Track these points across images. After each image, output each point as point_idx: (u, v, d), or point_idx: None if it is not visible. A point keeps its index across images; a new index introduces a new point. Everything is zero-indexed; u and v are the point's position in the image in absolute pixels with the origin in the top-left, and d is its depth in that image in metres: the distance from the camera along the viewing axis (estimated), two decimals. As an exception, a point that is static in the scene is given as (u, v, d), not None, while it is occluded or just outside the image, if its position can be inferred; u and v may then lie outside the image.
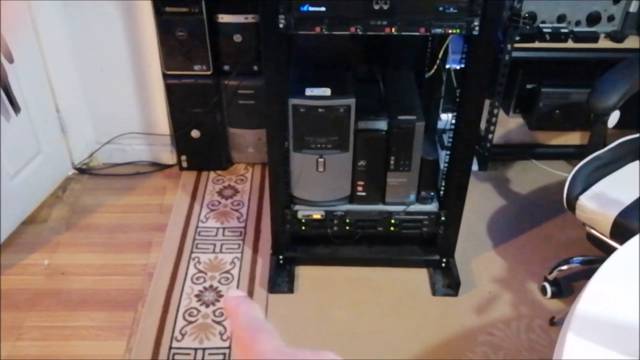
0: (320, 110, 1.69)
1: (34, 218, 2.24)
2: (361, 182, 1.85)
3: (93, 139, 2.48)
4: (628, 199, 1.57)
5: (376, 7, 1.48)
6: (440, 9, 1.50)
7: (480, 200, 2.32)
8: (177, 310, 1.89)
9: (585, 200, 1.61)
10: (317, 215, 1.88)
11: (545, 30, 2.18)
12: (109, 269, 2.04)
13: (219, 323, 1.85)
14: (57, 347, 1.78)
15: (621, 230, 1.50)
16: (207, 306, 1.90)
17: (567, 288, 1.94)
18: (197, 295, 1.94)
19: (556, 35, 2.17)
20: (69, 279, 2.00)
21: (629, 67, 1.70)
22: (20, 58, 2.01)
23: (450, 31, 1.53)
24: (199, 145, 2.41)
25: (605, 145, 1.72)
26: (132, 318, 1.87)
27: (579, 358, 0.86)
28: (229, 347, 1.78)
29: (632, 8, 2.19)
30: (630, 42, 2.21)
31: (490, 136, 2.39)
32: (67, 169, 2.45)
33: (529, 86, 2.46)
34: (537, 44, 2.19)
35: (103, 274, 2.03)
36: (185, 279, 2.00)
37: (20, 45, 2.04)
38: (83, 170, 2.48)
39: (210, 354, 1.76)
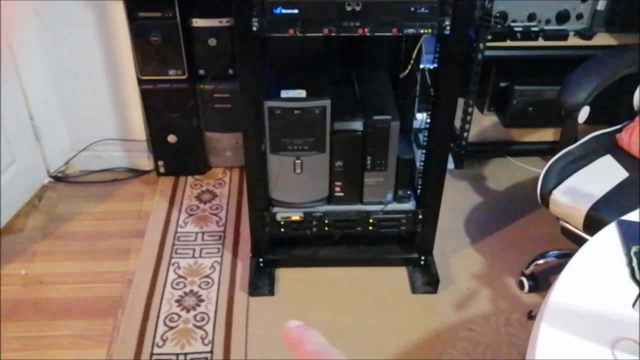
0: (296, 112, 1.70)
1: (10, 228, 2.21)
2: (339, 183, 1.86)
3: (68, 146, 2.46)
4: (599, 193, 1.60)
5: (348, 8, 1.50)
6: (412, 9, 1.51)
7: (457, 198, 2.35)
8: (158, 316, 1.88)
9: (559, 195, 1.64)
10: (295, 216, 1.89)
11: (516, 29, 2.21)
12: (88, 277, 2.03)
13: (200, 327, 1.85)
14: (36, 357, 1.76)
15: (593, 223, 1.53)
16: (188, 311, 1.90)
17: (544, 282, 1.97)
18: (177, 301, 1.93)
19: (527, 34, 2.21)
20: (47, 288, 1.98)
21: (597, 64, 1.73)
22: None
23: (422, 31, 1.54)
24: (176, 150, 2.41)
25: (576, 141, 1.75)
26: (112, 325, 1.85)
27: (553, 347, 0.88)
28: (211, 352, 1.77)
29: (600, 6, 2.23)
30: (599, 39, 2.26)
31: (465, 134, 2.42)
32: (43, 177, 2.43)
33: (502, 84, 2.50)
34: (508, 43, 2.22)
35: (81, 282, 2.01)
36: (165, 284, 1.99)
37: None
38: (59, 178, 2.46)
39: (191, 358, 1.76)
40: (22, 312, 1.90)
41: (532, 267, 1.95)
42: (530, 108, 2.47)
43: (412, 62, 1.83)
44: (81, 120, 2.41)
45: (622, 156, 1.74)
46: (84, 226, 2.24)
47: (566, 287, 0.97)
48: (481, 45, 2.18)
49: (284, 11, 1.50)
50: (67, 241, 2.17)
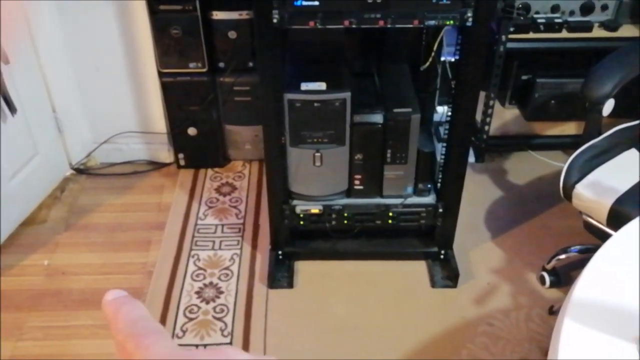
0: (315, 104, 1.69)
1: (33, 219, 2.24)
2: (358, 176, 1.85)
3: (90, 139, 2.49)
4: (624, 187, 1.57)
5: (369, 0, 1.49)
6: (434, 0, 1.50)
7: (478, 192, 2.33)
8: (178, 308, 1.89)
9: (582, 189, 1.62)
10: (315, 209, 1.89)
11: (539, 20, 2.18)
12: (109, 268, 2.05)
13: (219, 319, 1.86)
14: (58, 346, 1.79)
15: (617, 218, 1.51)
16: (207, 303, 1.91)
17: (565, 277, 1.95)
18: (197, 292, 1.95)
19: (550, 26, 2.18)
20: (69, 279, 2.01)
21: (623, 56, 1.70)
22: (15, 59, 2.01)
23: (443, 23, 1.53)
24: (196, 143, 2.42)
25: (600, 134, 1.73)
26: (133, 316, 1.87)
27: (576, 343, 0.87)
28: (230, 343, 1.78)
29: (626, -3, 2.19)
30: (624, 31, 2.22)
31: (486, 128, 2.40)
32: (65, 169, 2.45)
33: (524, 77, 2.47)
34: (531, 35, 2.19)
35: (103, 273, 2.03)
36: (185, 276, 2.00)
37: (16, 46, 2.04)
38: (81, 171, 2.48)
39: (211, 350, 1.77)
40: (45, 302, 1.92)
41: (553, 262, 1.92)
42: (553, 101, 2.44)
43: (433, 54, 1.81)
44: (102, 112, 2.43)
45: (648, 150, 1.71)
46: (105, 218, 2.26)
47: (590, 282, 0.96)
48: (503, 37, 2.16)
49: (304, 3, 1.49)
50: (89, 233, 2.19)
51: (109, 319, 0.34)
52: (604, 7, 2.21)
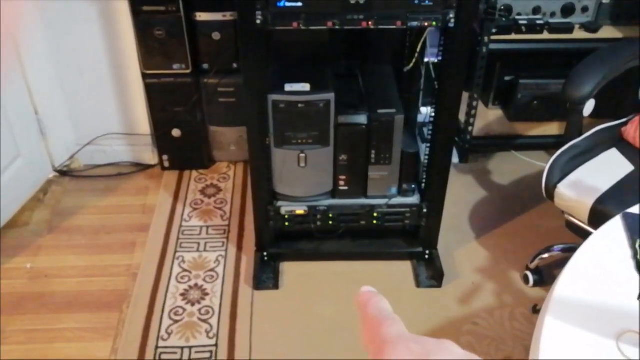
0: (300, 105, 1.70)
1: (15, 222, 2.22)
2: (343, 177, 1.86)
3: (73, 141, 2.47)
4: (604, 186, 1.59)
5: (352, 1, 1.49)
6: (416, 2, 1.51)
7: (462, 192, 2.34)
8: (163, 310, 1.89)
9: (563, 189, 1.63)
10: (300, 210, 1.89)
11: (521, 22, 2.20)
12: (93, 271, 2.03)
13: (204, 321, 1.85)
14: (42, 350, 1.77)
15: (599, 217, 1.53)
16: (193, 304, 1.90)
17: (548, 276, 1.97)
18: (182, 294, 1.94)
19: (532, 27, 2.20)
20: (53, 282, 1.99)
21: (603, 57, 1.72)
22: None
23: (426, 24, 1.54)
24: (180, 145, 2.41)
25: (581, 134, 1.75)
26: (118, 319, 1.86)
27: (557, 341, 0.88)
28: (216, 345, 1.78)
29: (606, -1, 2.22)
30: (604, 32, 2.25)
31: (470, 128, 2.41)
32: (48, 171, 2.43)
33: (507, 78, 2.49)
34: (513, 36, 2.21)
35: (87, 275, 2.02)
36: (170, 278, 2.00)
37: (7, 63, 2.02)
38: (64, 173, 2.46)
39: (196, 352, 1.76)
40: (28, 306, 1.90)
41: (537, 261, 1.94)
42: (535, 102, 2.46)
43: (416, 55, 1.82)
44: (86, 114, 2.41)
45: (628, 149, 1.73)
46: (89, 220, 2.25)
47: (571, 280, 0.97)
48: (486, 39, 2.17)
49: (287, 4, 1.49)
50: (72, 235, 2.18)
51: (360, 304, 0.45)
52: (585, 9, 2.24)
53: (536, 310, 1.87)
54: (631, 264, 1.00)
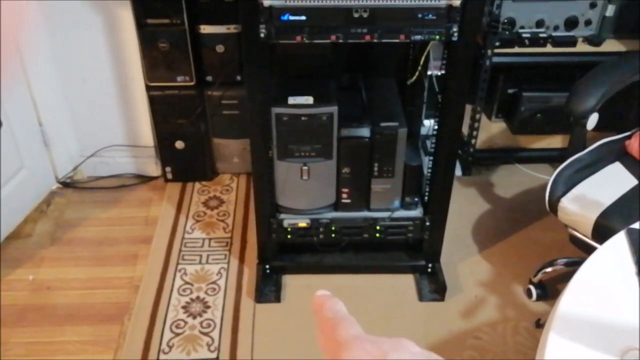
0: (303, 118, 1.70)
1: (18, 233, 2.22)
2: (346, 190, 1.86)
3: (77, 152, 2.47)
4: (608, 200, 1.58)
5: (356, 15, 1.50)
6: (420, 16, 1.51)
7: (465, 205, 2.34)
8: (164, 323, 1.88)
9: (567, 203, 1.63)
10: (302, 223, 1.89)
11: (524, 35, 2.21)
12: (95, 283, 2.03)
13: (206, 334, 1.84)
14: (43, 362, 1.77)
15: (602, 231, 1.52)
16: (194, 317, 1.90)
17: (552, 290, 1.95)
18: (183, 307, 1.93)
19: (535, 40, 2.20)
20: (54, 294, 1.99)
21: (606, 70, 1.72)
22: (2, 72, 2.00)
23: (429, 38, 1.54)
24: (184, 156, 2.41)
25: (585, 148, 1.74)
26: (119, 331, 1.85)
27: (561, 358, 0.87)
28: (217, 358, 1.77)
29: (609, 12, 2.22)
30: (608, 46, 2.25)
31: (473, 141, 2.41)
32: (51, 183, 2.44)
33: (510, 91, 2.49)
34: (516, 49, 2.22)
35: (89, 287, 2.01)
36: (171, 290, 1.99)
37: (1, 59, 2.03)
38: (67, 184, 2.47)
39: (198, 365, 1.75)
40: (29, 318, 1.90)
41: (540, 275, 1.93)
42: (539, 115, 2.46)
43: (419, 68, 1.83)
44: (89, 126, 2.42)
45: (632, 163, 1.72)
46: (91, 232, 2.24)
47: (575, 296, 0.96)
48: (489, 52, 2.18)
49: (291, 18, 1.50)
50: (75, 247, 2.18)
51: (315, 307, 0.45)
52: (588, 22, 2.24)
53: (539, 324, 1.86)
54: (635, 280, 0.99)
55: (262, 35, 1.51)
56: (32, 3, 2.07)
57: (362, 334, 0.42)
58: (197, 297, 1.97)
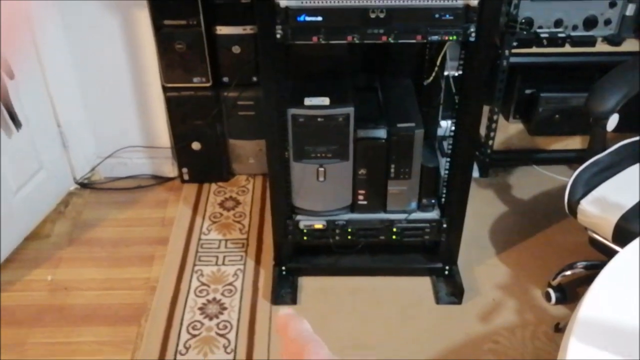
0: (319, 119, 1.69)
1: (37, 233, 2.24)
2: (362, 191, 1.85)
3: (94, 153, 2.49)
4: (629, 203, 1.56)
5: (372, 15, 1.49)
6: (436, 16, 1.50)
7: (482, 207, 2.32)
8: (181, 324, 1.88)
9: (587, 205, 1.61)
10: (318, 225, 1.88)
11: (542, 35, 2.18)
12: (112, 284, 2.04)
13: (222, 336, 1.84)
14: (60, 362, 1.78)
15: (623, 234, 1.50)
16: (211, 319, 1.90)
17: (571, 293, 1.93)
18: (200, 308, 1.94)
19: (553, 40, 2.18)
20: (72, 295, 2.00)
21: (627, 70, 1.70)
22: (20, 74, 2.02)
23: (446, 38, 1.53)
24: (200, 158, 2.42)
25: (605, 149, 1.72)
26: (136, 332, 1.86)
27: (582, 364, 0.85)
28: (233, 360, 1.77)
29: (629, 11, 2.19)
30: (628, 45, 2.22)
31: (490, 142, 2.39)
32: (69, 183, 2.46)
33: (527, 91, 2.46)
34: (534, 49, 2.19)
35: (106, 288, 2.02)
36: (188, 292, 2.00)
37: (21, 61, 2.05)
38: (85, 185, 2.48)
39: (214, 366, 1.76)
40: (47, 318, 1.91)
41: (559, 278, 1.91)
42: (557, 115, 2.43)
43: (436, 69, 1.81)
44: (107, 127, 2.43)
45: (653, 165, 1.70)
46: (108, 232, 2.26)
47: (596, 301, 0.95)
48: (506, 52, 2.15)
49: (307, 19, 1.49)
50: (92, 247, 2.19)
51: (279, 327, 0.45)
52: (607, 22, 2.21)
53: (559, 329, 1.83)
54: (658, 284, 0.97)
55: (278, 36, 1.51)
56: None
57: (330, 355, 0.41)
58: (214, 299, 1.97)
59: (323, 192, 1.83)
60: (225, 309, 1.93)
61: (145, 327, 1.87)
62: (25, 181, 2.17)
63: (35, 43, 2.14)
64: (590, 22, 2.21)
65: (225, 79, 2.26)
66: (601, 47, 2.21)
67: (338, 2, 1.47)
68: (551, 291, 1.92)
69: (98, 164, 2.50)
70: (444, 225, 1.88)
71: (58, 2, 2.13)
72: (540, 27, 2.21)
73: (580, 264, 1.90)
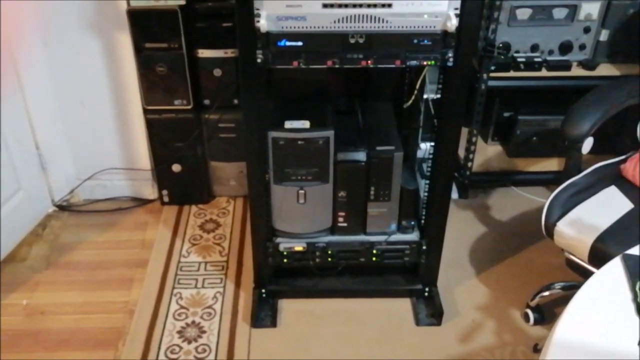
0: (299, 142, 1.70)
1: (13, 257, 2.21)
2: (342, 213, 1.86)
3: (73, 175, 2.47)
4: (604, 224, 1.58)
5: (352, 41, 1.51)
6: (415, 41, 1.52)
7: (462, 228, 2.33)
8: (159, 348, 1.86)
9: (563, 227, 1.63)
10: (299, 247, 1.88)
11: (519, 59, 2.22)
12: (90, 307, 2.01)
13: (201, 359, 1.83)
14: (36, 388, 1.75)
15: (599, 256, 1.52)
16: (189, 342, 1.88)
17: (549, 314, 1.94)
18: (179, 332, 1.92)
19: (530, 65, 2.22)
20: (49, 319, 1.97)
21: (601, 95, 1.73)
22: (-2, 96, 2.01)
23: (425, 63, 1.55)
24: (180, 180, 2.41)
25: (580, 172, 1.75)
26: (113, 357, 1.83)
27: (558, 386, 0.86)
28: (212, 384, 1.75)
29: (603, 37, 2.24)
30: (602, 70, 2.27)
31: (469, 164, 2.42)
32: (47, 206, 2.43)
33: (506, 114, 2.50)
34: (512, 73, 2.23)
35: (83, 312, 2.00)
36: (167, 315, 1.98)
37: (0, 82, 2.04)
38: (63, 207, 2.46)
39: (193, 391, 1.73)
40: (23, 343, 1.88)
41: (537, 299, 1.92)
42: (535, 138, 2.47)
43: (415, 92, 1.84)
44: (86, 149, 2.42)
45: (627, 187, 1.73)
46: (87, 255, 2.23)
47: (571, 323, 0.96)
48: (484, 76, 2.19)
49: (288, 44, 1.51)
50: (70, 271, 2.16)
51: None
52: (582, 47, 2.26)
53: (537, 349, 1.84)
54: (631, 307, 0.99)
55: (259, 60, 1.53)
56: (29, 17, 2.08)
57: None
58: (193, 322, 1.95)
59: (303, 214, 1.83)
60: (204, 332, 1.92)
61: (122, 351, 1.85)
62: (2, 203, 2.14)
63: (15, 63, 2.14)
64: (565, 47, 2.26)
65: (207, 102, 2.27)
66: (576, 71, 2.26)
67: (318, 27, 1.49)
68: (529, 312, 1.93)
69: (77, 186, 2.48)
70: (424, 247, 1.90)
71: (39, 24, 2.13)
72: (517, 52, 2.26)
73: (558, 285, 1.93)
